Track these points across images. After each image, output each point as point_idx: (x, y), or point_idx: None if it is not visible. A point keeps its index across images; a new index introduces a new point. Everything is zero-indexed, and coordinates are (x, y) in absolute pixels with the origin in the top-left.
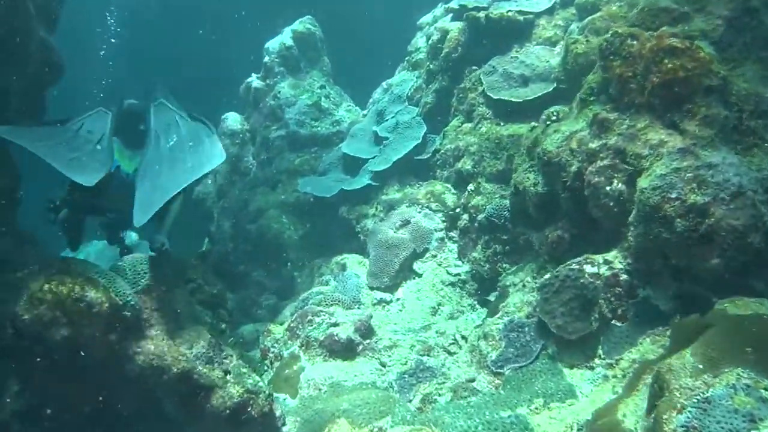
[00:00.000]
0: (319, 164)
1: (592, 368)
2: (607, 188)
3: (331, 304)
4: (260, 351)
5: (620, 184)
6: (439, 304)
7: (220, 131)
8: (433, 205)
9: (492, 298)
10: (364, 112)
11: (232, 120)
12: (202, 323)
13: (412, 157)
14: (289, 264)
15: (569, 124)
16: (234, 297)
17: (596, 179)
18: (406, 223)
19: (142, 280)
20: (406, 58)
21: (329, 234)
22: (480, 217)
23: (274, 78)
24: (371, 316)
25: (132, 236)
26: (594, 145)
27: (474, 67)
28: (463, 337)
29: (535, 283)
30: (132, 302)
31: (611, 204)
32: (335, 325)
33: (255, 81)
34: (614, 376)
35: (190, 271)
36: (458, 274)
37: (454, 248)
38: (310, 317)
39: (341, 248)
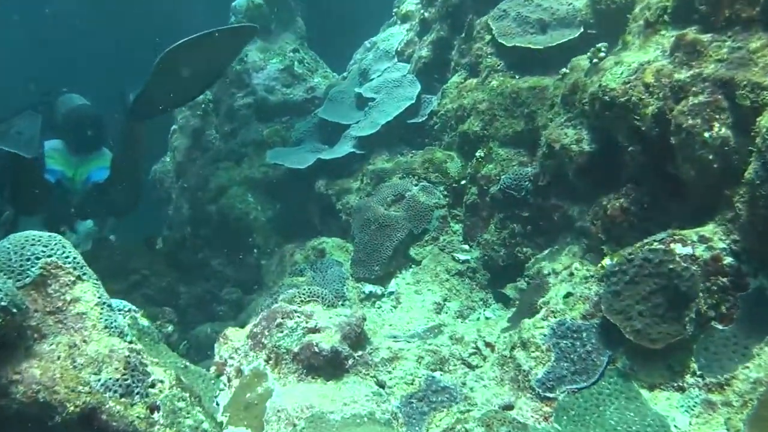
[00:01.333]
0: (292, 134)
1: (682, 389)
2: (706, 134)
3: (308, 301)
4: (215, 365)
5: (724, 129)
6: (445, 299)
7: None
8: (433, 176)
9: (510, 290)
10: (344, 74)
11: None
12: (121, 332)
13: (404, 120)
14: (255, 251)
15: (633, 56)
16: (189, 291)
17: (689, 122)
18: (399, 197)
19: (33, 269)
20: (394, 10)
21: (303, 214)
22: (493, 189)
23: None
24: (364, 318)
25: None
26: (682, 75)
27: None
28: (488, 345)
29: (588, 270)
30: (7, 303)
31: (710, 157)
32: (314, 330)
33: None
34: (726, 403)
35: (135, 260)
36: (467, 261)
37: (459, 229)
38: (279, 320)
39: (318, 231)
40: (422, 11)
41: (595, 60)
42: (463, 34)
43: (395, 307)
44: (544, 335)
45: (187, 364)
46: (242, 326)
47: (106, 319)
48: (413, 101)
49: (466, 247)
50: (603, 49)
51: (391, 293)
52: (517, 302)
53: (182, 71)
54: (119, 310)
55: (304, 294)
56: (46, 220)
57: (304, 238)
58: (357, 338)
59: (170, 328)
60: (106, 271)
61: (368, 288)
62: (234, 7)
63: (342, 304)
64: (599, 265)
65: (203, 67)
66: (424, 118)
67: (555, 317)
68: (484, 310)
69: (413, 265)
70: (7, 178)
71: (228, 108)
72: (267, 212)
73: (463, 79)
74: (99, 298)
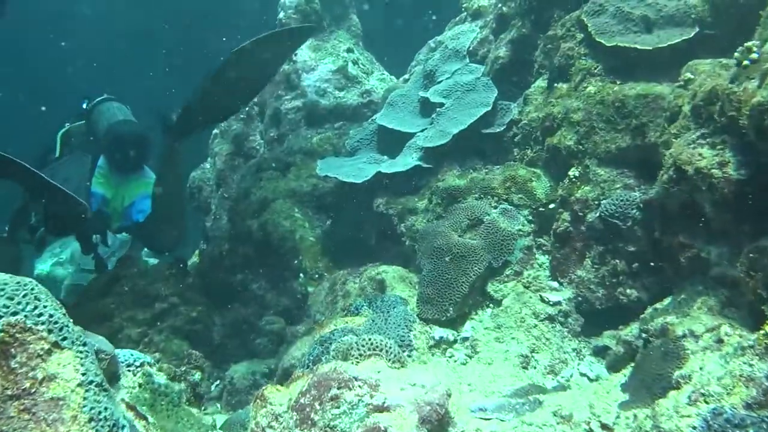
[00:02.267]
0: (345, 142)
1: None
2: None
3: (369, 355)
4: None
5: None
6: (532, 350)
7: None
8: (516, 198)
9: (608, 339)
10: (405, 76)
11: None
12: (114, 424)
13: (479, 130)
14: (301, 275)
15: None
16: (224, 319)
17: None
18: (476, 222)
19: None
20: (463, 5)
21: (358, 235)
22: (590, 216)
23: None
24: (449, 394)
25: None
26: None
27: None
28: (605, 427)
29: (745, 338)
30: None
31: None
32: (382, 409)
33: None
34: None
35: (161, 284)
36: (558, 303)
37: (546, 262)
38: (335, 390)
39: (376, 256)
40: (500, 6)
41: (745, 63)
42: (551, 32)
43: (470, 357)
44: (694, 428)
45: None
46: (284, 375)
47: (92, 408)
48: (489, 108)
49: (555, 284)
50: (755, 48)
51: (465, 339)
52: (633, 364)
53: (238, 78)
54: (129, 365)
55: (363, 346)
56: (78, 234)
57: (357, 262)
58: (440, 421)
59: (197, 375)
60: (129, 295)
61: (438, 332)
62: (283, 2)
63: (409, 355)
64: (761, 332)
65: (256, 73)
66: (502, 128)
67: (706, 402)
68: (579, 364)
69: (492, 305)
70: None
71: (274, 111)
72: (315, 231)
73: (549, 83)
74: (83, 375)
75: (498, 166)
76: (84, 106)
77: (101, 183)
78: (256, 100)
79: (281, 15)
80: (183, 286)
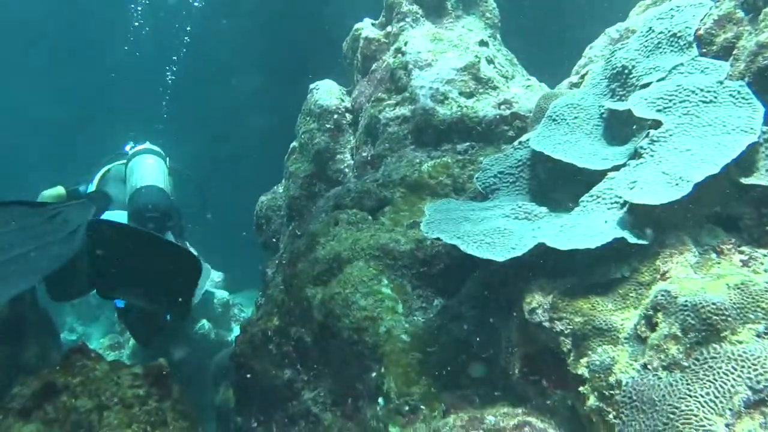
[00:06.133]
0: (476, 176)
1: None
2: None
3: None
4: None
5: None
6: None
7: (306, 107)
8: None
9: None
10: (571, 79)
11: (325, 91)
12: None
13: (731, 177)
14: (380, 401)
15: None
16: None
17: None
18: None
19: None
20: None
21: (488, 350)
22: None
23: (400, 23)
24: None
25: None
26: None
27: None
28: None
29: None
30: None
31: None
32: None
33: (367, 28)
34: None
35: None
36: None
37: None
38: None
39: (520, 395)
40: None
41: None
42: None
43: None
44: None
45: None
46: None
47: None
48: (755, 137)
49: None
50: None
51: None
52: None
53: None
54: None
55: None
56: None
57: (484, 398)
58: None
59: None
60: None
61: None
62: None
63: None
64: None
65: None
66: None
67: None
68: None
69: None
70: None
71: (370, 121)
72: (414, 322)
73: None
74: None
75: None
76: (126, 148)
77: None
78: (348, 105)
79: None
80: (162, 409)
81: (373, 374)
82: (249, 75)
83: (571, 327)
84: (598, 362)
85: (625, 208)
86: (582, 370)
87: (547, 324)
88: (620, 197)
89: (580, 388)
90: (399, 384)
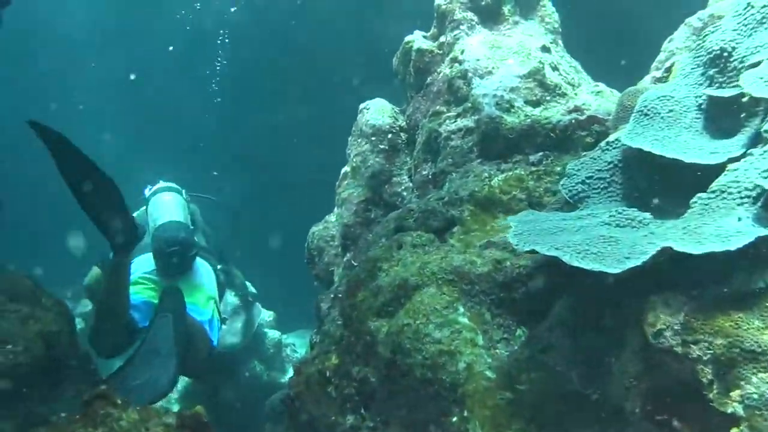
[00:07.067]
0: (561, 183)
1: None
2: None
3: None
4: None
5: None
6: None
7: (356, 129)
8: None
9: None
10: (653, 74)
11: (376, 110)
12: None
13: None
14: None
15: None
16: None
17: None
18: None
19: None
20: None
21: (596, 388)
22: None
23: (454, 31)
24: None
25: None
26: None
27: None
28: None
29: None
30: None
31: None
32: None
33: (418, 40)
34: None
35: None
36: None
37: None
38: None
39: None
40: None
41: None
42: None
43: None
44: None
45: None
46: None
47: None
48: None
49: None
50: None
51: None
52: None
53: None
54: None
55: None
56: None
57: None
58: None
59: None
60: None
61: None
62: None
63: None
64: None
65: None
66: None
67: None
68: None
69: None
70: None
71: (429, 136)
72: (497, 357)
73: None
74: None
75: None
76: (146, 192)
77: (150, 288)
78: (403, 124)
79: (439, 2)
80: None
81: (454, 418)
82: (295, 104)
83: (711, 351)
84: (756, 395)
85: (759, 203)
86: (734, 407)
87: (679, 349)
88: (751, 190)
89: (733, 430)
90: (487, 430)
